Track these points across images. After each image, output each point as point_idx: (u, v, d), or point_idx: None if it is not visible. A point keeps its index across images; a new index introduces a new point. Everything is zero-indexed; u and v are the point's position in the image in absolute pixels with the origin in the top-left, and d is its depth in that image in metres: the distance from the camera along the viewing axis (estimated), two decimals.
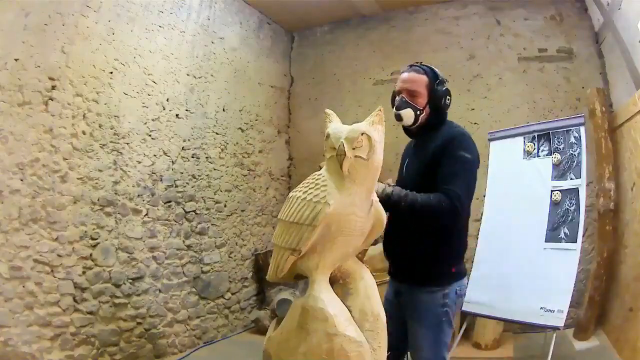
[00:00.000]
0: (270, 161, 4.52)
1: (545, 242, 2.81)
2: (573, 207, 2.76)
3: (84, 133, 2.72)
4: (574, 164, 2.83)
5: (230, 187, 3.93)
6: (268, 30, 4.58)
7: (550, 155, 2.97)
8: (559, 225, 2.78)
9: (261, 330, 3.65)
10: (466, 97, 4.10)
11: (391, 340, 1.39)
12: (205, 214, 3.64)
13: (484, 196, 3.31)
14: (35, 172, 2.44)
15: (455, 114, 4.09)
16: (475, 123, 4.05)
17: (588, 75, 3.67)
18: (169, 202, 3.31)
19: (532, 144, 3.10)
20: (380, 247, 1.78)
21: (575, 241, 2.67)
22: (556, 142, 2.97)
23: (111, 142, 2.88)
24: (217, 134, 3.82)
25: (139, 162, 3.08)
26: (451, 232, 1.64)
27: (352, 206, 1.27)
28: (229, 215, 3.89)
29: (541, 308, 2.60)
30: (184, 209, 3.44)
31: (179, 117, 3.43)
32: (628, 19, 2.85)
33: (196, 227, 3.53)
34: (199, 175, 3.60)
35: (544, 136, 3.05)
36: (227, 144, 3.93)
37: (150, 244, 3.13)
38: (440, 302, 1.59)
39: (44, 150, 2.49)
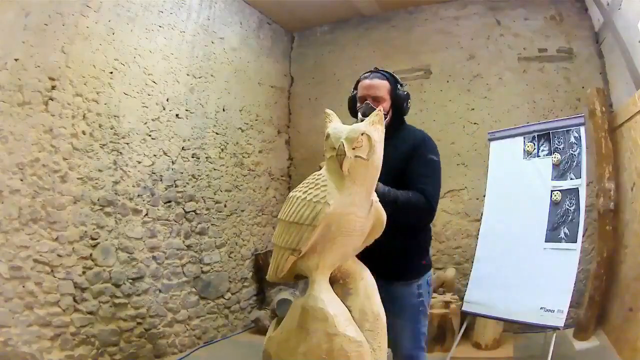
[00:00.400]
0: (270, 161, 4.52)
1: (545, 242, 2.81)
2: (573, 207, 2.76)
3: (84, 133, 2.72)
4: (574, 164, 2.83)
5: (230, 187, 3.93)
6: (268, 30, 4.58)
7: (550, 155, 2.98)
8: (559, 225, 2.78)
9: (261, 330, 3.65)
10: (466, 97, 4.10)
11: None
12: (205, 214, 3.64)
13: (484, 196, 3.32)
14: (35, 172, 2.44)
15: (455, 114, 4.12)
16: (475, 123, 4.05)
17: (588, 75, 3.67)
18: (169, 202, 3.31)
19: (532, 144, 3.10)
20: None
21: (575, 241, 2.67)
22: (556, 142, 2.97)
23: (111, 142, 2.88)
24: (217, 134, 3.82)
25: (139, 162, 3.08)
26: (420, 227, 1.75)
27: (352, 206, 1.27)
28: (229, 215, 3.89)
29: (541, 308, 2.60)
30: (184, 209, 3.44)
31: (179, 117, 3.43)
32: (628, 19, 2.85)
33: (196, 227, 3.53)
34: (199, 175, 3.60)
35: (544, 136, 3.05)
36: (227, 144, 3.93)
37: (150, 244, 3.14)
38: (415, 292, 1.70)
39: (44, 150, 2.49)
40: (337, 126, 1.36)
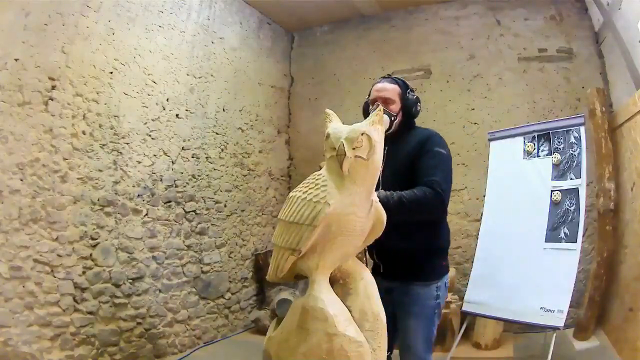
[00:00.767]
0: (270, 161, 4.52)
1: (545, 242, 2.81)
2: (573, 207, 2.76)
3: (84, 133, 2.72)
4: (574, 164, 2.83)
5: (230, 187, 3.93)
6: (268, 30, 4.58)
7: (550, 155, 2.98)
8: (559, 225, 2.78)
9: (261, 330, 3.65)
10: (466, 97, 4.10)
11: None
12: (205, 214, 3.64)
13: (484, 196, 3.32)
14: (35, 172, 2.44)
15: (455, 114, 4.12)
16: (475, 123, 4.05)
17: (588, 75, 3.67)
18: (169, 202, 3.31)
19: (532, 144, 3.10)
20: None
21: (575, 241, 2.67)
22: (556, 142, 2.97)
23: (111, 142, 2.88)
24: (217, 134, 3.82)
25: (139, 162, 3.08)
26: (438, 226, 1.76)
27: (352, 206, 1.27)
28: (229, 215, 3.89)
29: (541, 308, 2.60)
30: (184, 209, 3.44)
31: (179, 117, 3.43)
32: (628, 19, 2.85)
33: (196, 227, 3.53)
34: (199, 175, 3.60)
35: (544, 136, 3.05)
36: (227, 144, 3.93)
37: (150, 244, 3.14)
38: (434, 294, 1.69)
39: (44, 150, 2.49)
40: (337, 126, 1.36)
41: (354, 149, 1.25)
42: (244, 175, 4.12)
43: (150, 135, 3.17)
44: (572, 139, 2.89)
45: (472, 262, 3.20)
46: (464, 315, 3.09)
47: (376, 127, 1.32)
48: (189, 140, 3.51)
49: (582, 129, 2.88)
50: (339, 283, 1.39)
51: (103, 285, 2.78)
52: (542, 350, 2.85)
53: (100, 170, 2.81)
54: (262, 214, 4.32)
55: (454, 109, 4.14)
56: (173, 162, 3.36)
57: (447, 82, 4.19)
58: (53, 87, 2.55)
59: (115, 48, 2.92)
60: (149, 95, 3.18)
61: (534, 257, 2.81)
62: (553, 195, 2.87)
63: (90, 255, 2.72)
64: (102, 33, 2.84)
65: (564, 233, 2.74)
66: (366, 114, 1.86)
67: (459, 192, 4.05)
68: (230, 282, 3.83)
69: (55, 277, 2.51)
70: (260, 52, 4.45)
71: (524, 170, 3.09)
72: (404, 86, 1.84)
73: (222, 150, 3.87)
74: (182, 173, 3.44)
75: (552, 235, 2.79)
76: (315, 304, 1.24)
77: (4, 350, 2.21)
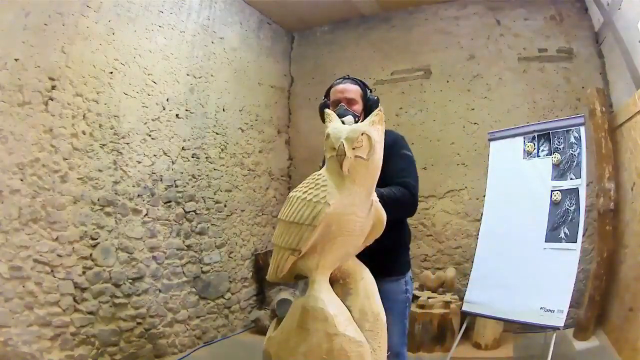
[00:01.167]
0: (270, 161, 4.52)
1: (545, 242, 2.81)
2: (573, 207, 2.76)
3: (84, 133, 2.72)
4: (574, 164, 2.83)
5: (230, 187, 3.93)
6: (268, 30, 4.58)
7: (550, 155, 2.98)
8: (559, 225, 2.78)
9: (261, 330, 3.65)
10: (466, 97, 4.10)
11: None
12: (205, 214, 3.64)
13: (484, 196, 3.32)
14: (35, 172, 2.44)
15: (455, 114, 4.13)
16: (475, 123, 4.05)
17: (588, 75, 3.67)
18: (169, 202, 3.31)
19: (532, 144, 3.10)
20: None
21: (575, 241, 2.67)
22: (556, 142, 2.97)
23: (111, 142, 2.88)
24: (217, 134, 3.82)
25: (139, 162, 3.08)
26: (403, 223, 1.82)
27: (352, 206, 1.27)
28: (229, 215, 3.89)
29: (541, 308, 2.60)
30: (184, 209, 3.44)
31: (179, 117, 3.43)
32: (628, 19, 2.85)
33: (196, 227, 3.53)
34: (199, 175, 3.60)
35: (544, 136, 3.05)
36: (227, 144, 3.93)
37: (150, 244, 3.14)
38: (403, 289, 1.76)
39: (44, 150, 2.49)
40: (337, 126, 1.36)
41: (354, 149, 1.25)
42: (244, 175, 4.12)
43: (150, 135, 3.17)
44: (572, 139, 2.89)
45: (472, 262, 3.20)
46: (464, 315, 3.09)
47: (376, 127, 1.32)
48: (189, 140, 3.51)
49: (582, 129, 2.88)
50: (339, 283, 1.39)
51: (103, 285, 2.78)
52: (542, 350, 2.85)
53: (100, 170, 2.81)
54: (262, 214, 4.32)
55: (454, 109, 4.14)
56: (173, 162, 3.36)
57: (447, 82, 4.19)
58: (53, 87, 2.54)
59: (115, 48, 2.92)
60: (149, 95, 3.18)
61: (534, 257, 2.80)
62: (553, 195, 2.87)
63: (90, 255, 2.72)
64: (102, 33, 2.83)
65: (564, 233, 2.74)
66: (321, 115, 1.81)
67: (459, 192, 4.05)
68: (230, 282, 3.83)
69: (55, 277, 2.51)
70: (260, 52, 4.45)
71: (524, 170, 3.09)
72: (364, 87, 1.87)
73: (222, 150, 3.87)
74: (182, 173, 3.44)
75: (552, 235, 2.79)
76: (315, 304, 1.24)
77: (4, 350, 2.21)
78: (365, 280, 1.40)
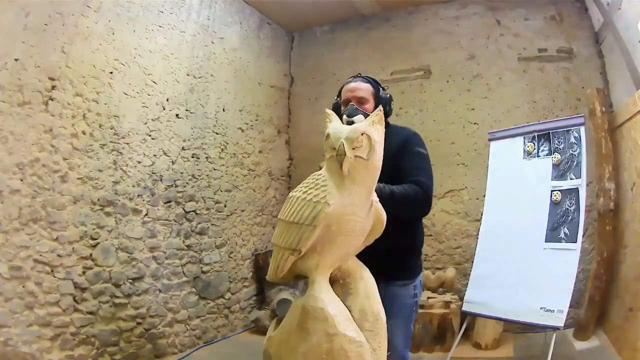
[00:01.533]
0: (270, 161, 4.52)
1: (545, 242, 2.81)
2: (573, 207, 2.76)
3: (84, 133, 2.72)
4: (574, 164, 2.83)
5: (230, 187, 3.93)
6: (268, 30, 4.58)
7: (550, 155, 2.98)
8: (559, 225, 2.78)
9: (261, 330, 3.65)
10: (466, 97, 4.10)
11: None
12: (205, 214, 3.64)
13: (484, 196, 3.32)
14: (35, 172, 2.44)
15: (455, 114, 4.13)
16: (475, 123, 4.05)
17: (588, 75, 3.67)
18: (169, 202, 3.31)
19: (532, 144, 3.10)
20: None
21: (575, 241, 2.67)
22: (556, 142, 2.97)
23: (111, 142, 2.88)
24: (217, 134, 3.82)
25: (139, 162, 3.08)
26: (415, 226, 1.77)
27: (352, 206, 1.27)
28: (229, 215, 3.89)
29: (541, 308, 2.60)
30: (184, 209, 3.44)
31: (179, 117, 3.43)
32: (628, 19, 2.85)
33: (196, 227, 3.53)
34: (199, 175, 3.60)
35: (544, 136, 3.05)
36: (227, 144, 3.93)
37: (150, 244, 3.14)
38: (412, 293, 1.73)
39: (44, 150, 2.49)
40: (337, 126, 1.36)
41: (354, 149, 1.25)
42: (244, 175, 4.12)
43: (150, 135, 3.17)
44: (572, 139, 2.90)
45: (472, 262, 3.20)
46: (464, 315, 3.09)
47: (376, 127, 1.32)
48: (189, 140, 3.51)
49: (582, 129, 2.88)
50: (339, 283, 1.39)
51: (103, 285, 2.78)
52: (542, 350, 2.85)
53: (100, 170, 2.81)
54: (262, 214, 4.32)
55: (454, 109, 4.14)
56: (173, 162, 3.36)
57: (447, 82, 4.19)
58: (53, 87, 2.54)
59: (115, 48, 2.92)
60: (149, 95, 3.18)
61: (534, 257, 2.81)
62: (553, 195, 2.87)
63: (90, 255, 2.72)
64: (102, 33, 2.83)
65: (564, 233, 2.74)
66: (338, 115, 1.83)
67: (459, 192, 4.05)
68: (230, 282, 3.83)
69: (55, 277, 2.51)
70: (260, 52, 4.44)
71: (524, 170, 3.09)
72: (377, 85, 1.83)
73: (222, 150, 3.87)
74: (182, 173, 3.44)
75: (552, 235, 2.80)
76: (315, 304, 1.24)
77: (4, 350, 2.21)
78: (365, 280, 1.40)
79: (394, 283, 1.67)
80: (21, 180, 2.38)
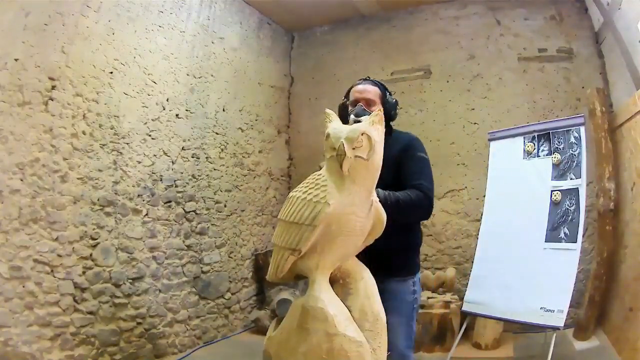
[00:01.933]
0: (270, 161, 4.52)
1: (545, 242, 2.81)
2: (573, 207, 2.76)
3: (84, 133, 2.72)
4: (574, 164, 2.83)
5: (230, 187, 3.93)
6: (268, 30, 4.58)
7: (550, 155, 2.97)
8: (559, 225, 2.78)
9: (261, 330, 3.65)
10: (466, 97, 4.10)
11: None
12: (205, 214, 3.64)
13: (484, 196, 3.32)
14: (35, 172, 2.44)
15: (455, 114, 4.13)
16: (475, 123, 4.05)
17: (588, 75, 3.67)
18: (169, 202, 3.31)
19: (532, 144, 3.10)
20: None
21: (575, 241, 2.67)
22: (556, 142, 2.97)
23: (111, 142, 2.88)
24: (217, 134, 3.82)
25: (139, 162, 3.08)
26: (415, 225, 1.81)
27: (352, 206, 1.27)
28: (229, 215, 3.89)
29: (541, 308, 2.60)
30: (184, 209, 3.44)
31: (179, 117, 3.43)
32: (628, 19, 2.85)
33: (196, 227, 3.53)
34: (199, 175, 3.60)
35: (544, 136, 3.05)
36: (227, 144, 3.93)
37: (150, 244, 3.14)
38: (411, 289, 1.75)
39: (44, 150, 2.49)
40: (337, 126, 1.36)
41: (354, 149, 1.25)
42: (244, 175, 4.12)
43: (150, 135, 3.17)
44: (572, 139, 2.89)
45: (472, 262, 3.20)
46: (464, 315, 3.09)
47: (376, 127, 1.32)
48: (189, 140, 3.51)
49: (582, 129, 2.88)
50: (339, 283, 1.39)
51: (103, 285, 2.78)
52: (542, 350, 2.85)
53: (100, 170, 2.81)
54: (262, 214, 4.32)
55: (454, 109, 4.14)
56: (173, 162, 3.36)
57: (447, 82, 4.19)
58: (53, 87, 2.54)
59: (115, 48, 2.92)
60: (149, 95, 3.18)
61: (534, 257, 2.80)
62: (553, 195, 2.87)
63: (90, 255, 2.72)
64: (102, 33, 2.83)
65: (564, 233, 2.74)
66: (343, 117, 1.82)
67: (459, 192, 4.05)
68: (230, 282, 3.83)
69: (55, 277, 2.51)
70: (260, 52, 4.45)
71: (524, 170, 3.09)
72: (384, 89, 1.86)
73: (222, 150, 3.87)
74: (182, 173, 3.44)
75: (552, 235, 2.79)
76: (315, 304, 1.24)
77: (4, 350, 2.21)
78: (365, 280, 1.40)
79: (393, 278, 1.69)
80: (21, 180, 2.37)
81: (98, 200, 2.78)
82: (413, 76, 4.33)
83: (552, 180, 2.92)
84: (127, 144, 3.00)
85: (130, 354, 2.90)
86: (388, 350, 1.65)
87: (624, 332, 2.72)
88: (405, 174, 1.68)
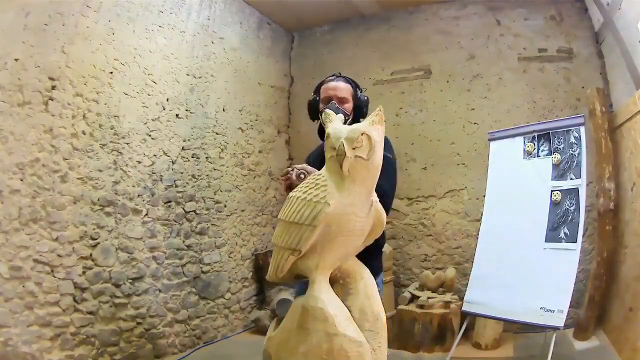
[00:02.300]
0: (270, 161, 4.52)
1: (545, 242, 2.81)
2: (573, 207, 2.76)
3: (84, 133, 2.72)
4: (574, 164, 2.83)
5: (230, 187, 3.93)
6: (268, 30, 4.58)
7: (550, 155, 2.98)
8: (559, 225, 2.78)
9: (261, 330, 3.65)
10: (466, 97, 4.10)
11: None
12: (205, 214, 3.64)
13: (484, 196, 3.32)
14: (35, 172, 2.44)
15: (456, 114, 4.12)
16: (475, 123, 4.05)
17: (588, 75, 3.67)
18: (169, 202, 3.31)
19: (532, 144, 3.10)
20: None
21: (575, 241, 2.67)
22: (556, 142, 2.98)
23: (111, 142, 2.88)
24: (217, 134, 3.82)
25: (139, 162, 3.08)
26: None
27: (352, 206, 1.27)
28: (229, 215, 3.89)
29: (541, 308, 2.60)
30: (184, 209, 3.44)
31: (179, 117, 3.43)
32: (628, 19, 2.85)
33: (196, 227, 3.53)
34: (199, 175, 3.60)
35: (544, 136, 3.05)
36: (227, 144, 3.93)
37: (150, 244, 3.13)
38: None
39: (44, 150, 2.49)
40: (337, 126, 1.36)
41: (354, 149, 1.25)
42: (244, 175, 4.12)
43: (150, 135, 3.17)
44: (572, 139, 2.90)
45: (472, 262, 3.20)
46: (464, 315, 3.09)
47: (376, 127, 1.32)
48: (189, 140, 3.51)
49: (582, 129, 2.88)
50: (339, 283, 1.39)
51: (103, 285, 2.78)
52: (542, 350, 2.85)
53: (100, 170, 2.81)
54: (262, 214, 4.32)
55: (454, 109, 4.14)
56: (173, 162, 3.36)
57: (447, 82, 4.19)
58: (53, 87, 2.54)
59: (115, 48, 2.92)
60: (149, 95, 3.18)
61: (534, 257, 2.81)
62: (553, 195, 2.87)
63: (90, 255, 2.72)
64: (102, 33, 2.83)
65: (564, 233, 2.74)
66: (316, 112, 1.83)
67: (459, 192, 4.05)
68: (230, 282, 3.83)
69: (55, 277, 2.51)
70: (260, 52, 4.44)
71: (524, 170, 3.09)
72: (355, 86, 1.85)
73: (222, 150, 3.87)
74: (182, 173, 3.44)
75: (552, 235, 2.80)
76: (315, 304, 1.24)
77: (4, 350, 2.21)
78: (365, 280, 1.40)
79: None
80: (21, 180, 2.37)
81: (98, 200, 2.78)
82: (413, 76, 4.33)
83: (552, 180, 2.92)
84: (127, 144, 2.99)
85: (130, 354, 2.90)
86: None
87: (624, 332, 2.72)
88: None
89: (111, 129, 2.89)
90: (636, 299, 2.64)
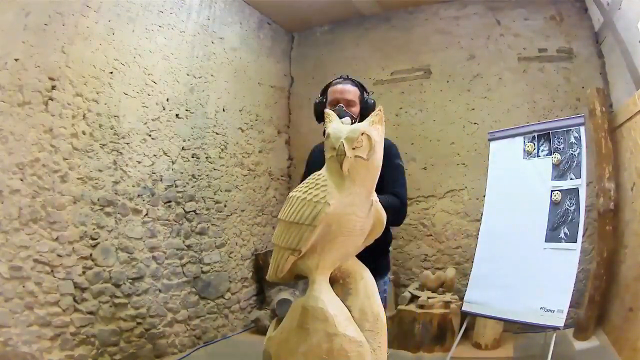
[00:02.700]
0: (270, 161, 4.52)
1: (545, 242, 2.81)
2: (573, 207, 2.76)
3: (84, 133, 2.72)
4: (574, 164, 2.83)
5: (230, 187, 3.93)
6: (268, 30, 4.58)
7: (550, 155, 2.98)
8: (559, 225, 2.78)
9: (261, 330, 3.65)
10: (466, 97, 4.10)
11: None
12: (205, 214, 3.64)
13: (484, 196, 3.32)
14: (35, 172, 2.44)
15: (455, 114, 4.13)
16: (475, 123, 4.05)
17: (588, 75, 3.67)
18: (169, 202, 3.31)
19: (532, 144, 3.10)
20: None
21: (575, 241, 2.67)
22: (556, 142, 2.97)
23: (111, 142, 2.88)
24: (217, 134, 3.82)
25: (139, 162, 3.08)
26: (387, 227, 1.81)
27: (352, 206, 1.27)
28: (229, 215, 3.89)
29: (541, 308, 2.60)
30: (184, 209, 3.44)
31: (179, 117, 3.43)
32: (628, 19, 2.85)
33: (196, 227, 3.53)
34: (199, 175, 3.60)
35: (544, 136, 3.05)
36: (227, 144, 3.93)
37: (150, 244, 3.14)
38: (382, 289, 1.76)
39: (44, 150, 2.49)
40: (337, 126, 1.36)
41: (354, 149, 1.25)
42: (244, 175, 4.12)
43: (150, 135, 3.17)
44: (572, 139, 2.90)
45: (472, 262, 3.20)
46: (464, 315, 3.09)
47: (376, 127, 1.32)
48: (189, 140, 3.51)
49: (582, 129, 2.88)
50: (339, 283, 1.39)
51: (103, 285, 2.78)
52: (542, 350, 2.85)
53: (100, 170, 2.81)
54: (262, 214, 4.32)
55: (454, 109, 4.14)
56: (173, 162, 3.36)
57: (447, 82, 4.19)
58: (53, 87, 2.54)
59: (115, 48, 2.92)
60: (149, 95, 3.18)
61: (534, 257, 2.80)
62: (553, 195, 2.87)
63: (90, 255, 2.72)
64: (102, 33, 2.83)
65: (564, 233, 2.74)
66: (322, 115, 1.84)
67: (459, 192, 4.05)
68: (230, 282, 3.83)
69: (55, 277, 2.51)
70: (260, 52, 4.44)
71: (524, 170, 3.09)
72: (362, 89, 1.86)
73: (222, 150, 3.87)
74: (182, 173, 3.44)
75: (552, 235, 2.79)
76: (315, 304, 1.24)
77: (4, 350, 2.21)
78: (365, 280, 1.40)
79: None
80: (21, 180, 2.37)
81: (98, 200, 2.78)
82: (413, 76, 4.33)
83: (552, 180, 2.92)
84: (127, 144, 3.00)
85: (130, 354, 2.90)
86: None
87: (624, 332, 2.72)
88: (384, 181, 1.66)
89: (111, 129, 2.89)
90: (636, 299, 2.64)
